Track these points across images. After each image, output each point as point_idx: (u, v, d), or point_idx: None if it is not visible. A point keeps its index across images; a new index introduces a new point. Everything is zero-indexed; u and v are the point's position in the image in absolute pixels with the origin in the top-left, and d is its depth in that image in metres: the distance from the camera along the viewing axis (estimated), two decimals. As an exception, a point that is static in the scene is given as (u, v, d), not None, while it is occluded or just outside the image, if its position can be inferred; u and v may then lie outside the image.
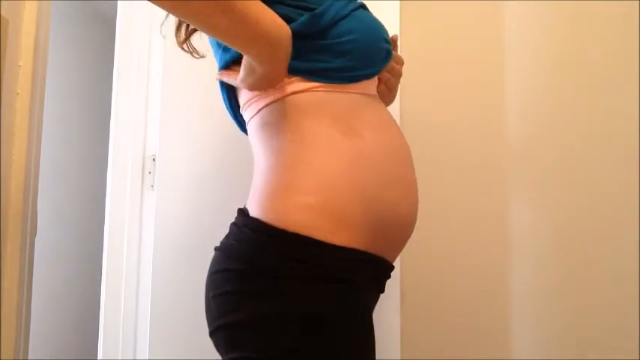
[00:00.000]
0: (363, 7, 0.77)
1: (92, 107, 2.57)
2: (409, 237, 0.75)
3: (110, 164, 1.33)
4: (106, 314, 1.28)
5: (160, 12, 1.44)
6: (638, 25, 1.20)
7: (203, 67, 1.31)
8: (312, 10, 0.69)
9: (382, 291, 0.76)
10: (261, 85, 0.69)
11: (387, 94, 0.82)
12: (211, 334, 0.67)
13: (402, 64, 0.86)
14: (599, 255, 1.17)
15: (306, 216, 0.64)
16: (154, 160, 1.29)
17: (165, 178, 1.25)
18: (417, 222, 0.76)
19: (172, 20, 0.81)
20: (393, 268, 0.75)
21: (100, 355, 1.28)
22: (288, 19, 0.65)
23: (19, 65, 1.06)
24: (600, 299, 1.16)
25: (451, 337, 1.23)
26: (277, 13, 0.65)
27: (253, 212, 0.68)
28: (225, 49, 0.74)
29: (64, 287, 2.44)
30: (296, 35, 0.67)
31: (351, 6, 0.74)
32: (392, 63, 0.80)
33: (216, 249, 0.71)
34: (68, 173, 2.49)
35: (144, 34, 1.33)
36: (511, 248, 1.23)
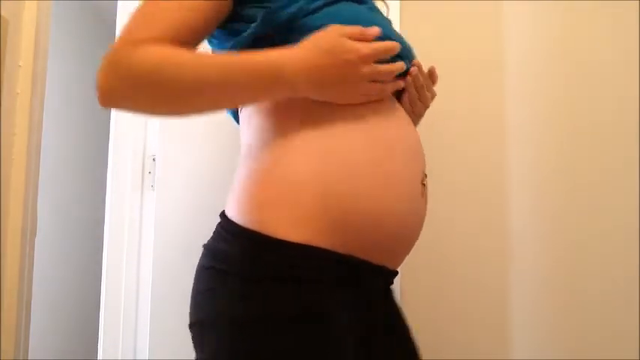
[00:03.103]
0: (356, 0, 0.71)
1: (92, 107, 2.57)
2: (401, 237, 0.68)
3: (110, 164, 1.33)
4: (106, 314, 1.28)
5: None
6: (638, 25, 1.20)
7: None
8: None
9: (379, 295, 0.71)
10: (333, 96, 0.65)
11: (408, 110, 0.77)
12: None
13: (430, 79, 0.79)
14: (599, 255, 1.17)
15: (264, 213, 0.62)
16: (154, 160, 1.29)
17: (165, 178, 1.25)
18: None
19: None
20: (384, 271, 0.68)
21: (100, 355, 1.28)
22: (254, 20, 0.64)
23: (19, 65, 1.06)
24: (600, 299, 1.16)
25: (451, 337, 1.23)
26: (246, 14, 0.65)
27: (226, 209, 0.68)
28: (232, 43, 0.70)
29: (64, 287, 2.44)
30: (255, 39, 0.66)
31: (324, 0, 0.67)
32: (414, 70, 0.74)
33: (203, 246, 0.70)
34: (68, 173, 2.49)
35: (144, 34, 1.32)
36: (511, 249, 1.23)
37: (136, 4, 0.64)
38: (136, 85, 0.61)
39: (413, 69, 0.74)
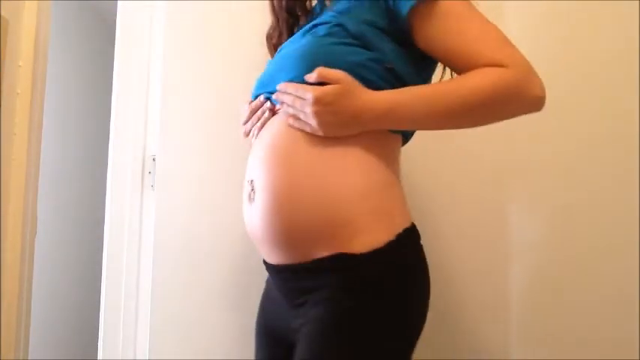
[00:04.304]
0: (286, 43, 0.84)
1: (92, 107, 2.57)
2: (252, 237, 0.80)
3: (110, 164, 1.33)
4: (106, 314, 1.28)
5: (160, 12, 1.43)
6: (638, 25, 1.20)
7: (204, 66, 1.31)
8: None
9: (279, 288, 0.81)
10: None
11: (300, 126, 0.75)
12: None
13: (288, 91, 0.75)
14: (598, 256, 1.17)
15: None
16: (154, 160, 1.29)
17: (165, 178, 1.25)
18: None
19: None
20: (267, 264, 0.81)
21: (100, 355, 1.28)
22: None
23: (19, 65, 1.06)
24: (600, 299, 1.16)
25: (451, 337, 1.23)
26: None
27: None
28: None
29: (64, 287, 2.44)
30: None
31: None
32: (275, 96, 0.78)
33: None
34: (68, 173, 2.49)
35: (144, 35, 1.33)
36: (510, 249, 1.23)
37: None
38: None
39: (275, 95, 0.78)
